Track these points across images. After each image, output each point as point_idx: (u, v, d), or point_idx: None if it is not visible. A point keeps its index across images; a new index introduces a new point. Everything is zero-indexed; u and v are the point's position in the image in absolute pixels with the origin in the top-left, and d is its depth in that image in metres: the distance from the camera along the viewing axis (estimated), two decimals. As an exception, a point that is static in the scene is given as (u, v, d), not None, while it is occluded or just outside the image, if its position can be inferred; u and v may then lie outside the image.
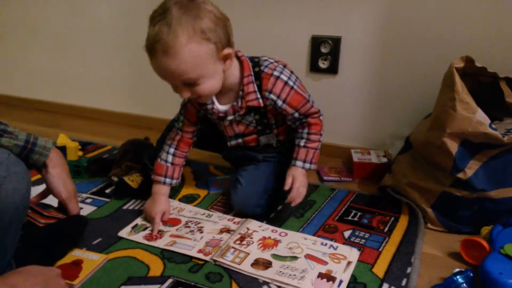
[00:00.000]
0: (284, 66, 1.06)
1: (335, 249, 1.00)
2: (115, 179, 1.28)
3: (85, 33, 1.90)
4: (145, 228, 1.08)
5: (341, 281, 0.89)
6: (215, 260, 0.95)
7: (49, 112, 2.10)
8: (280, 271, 0.91)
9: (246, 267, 0.93)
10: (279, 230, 1.08)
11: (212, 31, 0.90)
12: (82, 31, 1.91)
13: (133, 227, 1.08)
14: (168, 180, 1.14)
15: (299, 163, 1.10)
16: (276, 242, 1.03)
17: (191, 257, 0.97)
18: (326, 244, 1.02)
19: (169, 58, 0.88)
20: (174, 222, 1.11)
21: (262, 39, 1.55)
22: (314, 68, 1.51)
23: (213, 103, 1.08)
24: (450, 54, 1.15)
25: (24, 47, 2.09)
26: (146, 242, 1.02)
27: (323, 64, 1.49)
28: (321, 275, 0.90)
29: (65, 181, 1.00)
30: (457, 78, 1.01)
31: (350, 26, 1.43)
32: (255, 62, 1.06)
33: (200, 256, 0.96)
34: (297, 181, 1.07)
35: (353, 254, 0.98)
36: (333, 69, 1.49)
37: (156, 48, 0.88)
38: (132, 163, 1.32)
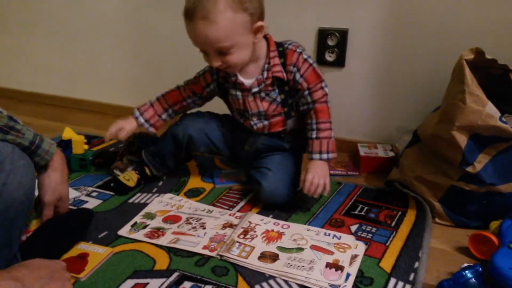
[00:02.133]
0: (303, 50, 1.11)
1: (339, 238, 1.00)
2: (118, 172, 1.28)
3: (91, 27, 1.90)
4: (145, 226, 1.06)
5: (348, 274, 0.88)
6: (221, 256, 0.94)
7: (55, 106, 2.11)
8: (288, 263, 0.91)
9: (253, 261, 0.92)
10: (281, 222, 1.08)
11: (249, 1, 0.96)
12: (88, 26, 1.90)
13: (132, 225, 1.06)
14: (137, 113, 1.20)
15: (315, 156, 1.10)
16: (280, 234, 1.02)
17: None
18: (329, 234, 1.02)
19: (207, 24, 0.93)
20: (174, 219, 1.10)
21: (268, 31, 1.53)
22: (321, 61, 1.49)
23: (236, 76, 1.10)
24: (459, 46, 1.13)
25: (30, 42, 2.09)
26: (148, 240, 1.00)
27: (330, 57, 1.48)
28: (329, 265, 0.90)
29: (56, 187, 0.96)
30: (467, 70, 0.99)
31: (357, 19, 1.41)
32: (279, 43, 1.11)
33: (206, 252, 0.95)
34: (310, 173, 1.08)
35: (359, 248, 0.98)
36: (340, 62, 1.47)
37: (195, 13, 0.93)
38: (134, 156, 1.32)
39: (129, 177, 1.23)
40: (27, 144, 0.89)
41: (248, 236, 1.01)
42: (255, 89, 1.11)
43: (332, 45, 1.46)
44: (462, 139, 1.01)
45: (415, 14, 1.34)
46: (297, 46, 1.10)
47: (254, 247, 0.97)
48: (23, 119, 1.49)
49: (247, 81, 1.10)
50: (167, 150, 1.23)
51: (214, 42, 0.96)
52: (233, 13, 0.94)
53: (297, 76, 1.08)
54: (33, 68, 2.15)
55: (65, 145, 1.37)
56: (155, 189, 1.25)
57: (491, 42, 1.23)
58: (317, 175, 1.07)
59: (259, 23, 1.00)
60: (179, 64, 1.74)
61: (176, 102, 1.21)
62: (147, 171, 1.26)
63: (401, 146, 1.35)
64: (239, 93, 1.13)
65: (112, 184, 1.23)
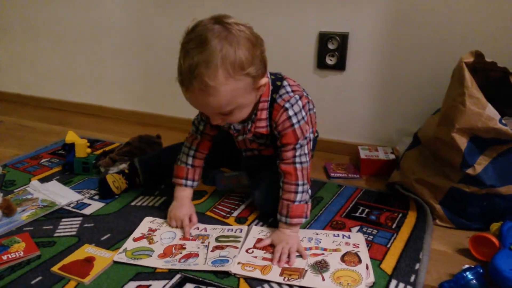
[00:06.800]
0: (300, 97, 1.01)
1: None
2: (103, 169, 1.31)
3: (94, 32, 1.91)
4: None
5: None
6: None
7: (58, 110, 2.12)
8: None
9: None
10: None
11: (250, 64, 0.87)
12: (90, 30, 1.92)
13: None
14: (189, 183, 1.11)
15: (278, 215, 1.02)
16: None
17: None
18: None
19: (208, 95, 0.86)
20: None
21: (269, 35, 1.53)
22: (321, 64, 1.50)
23: None
24: (459, 49, 1.14)
25: (33, 46, 2.11)
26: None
27: (330, 61, 1.49)
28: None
29: None
30: (467, 73, 1.00)
31: (357, 22, 1.42)
32: (276, 86, 1.02)
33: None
34: (279, 244, 0.97)
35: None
36: (340, 66, 1.48)
37: (193, 84, 0.85)
38: (121, 156, 1.33)
39: (119, 184, 1.23)
40: None
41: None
42: (240, 137, 1.08)
43: (333, 49, 1.47)
44: (462, 141, 1.01)
45: (415, 17, 1.35)
46: (287, 100, 0.99)
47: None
48: (27, 123, 1.50)
49: (237, 126, 1.05)
50: (165, 166, 1.21)
51: (216, 108, 0.90)
52: (235, 81, 0.86)
53: (276, 131, 1.02)
54: (37, 73, 2.16)
55: (68, 149, 1.39)
56: (157, 192, 1.26)
57: (490, 45, 1.24)
58: (285, 246, 0.96)
59: (263, 81, 0.93)
60: (181, 68, 1.75)
61: (208, 149, 1.14)
62: (137, 180, 1.27)
63: (401, 148, 1.35)
64: (231, 132, 1.10)
65: (98, 186, 1.25)
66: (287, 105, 0.99)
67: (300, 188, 1.00)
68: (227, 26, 0.86)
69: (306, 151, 1.02)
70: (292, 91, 1.01)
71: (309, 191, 1.03)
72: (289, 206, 0.99)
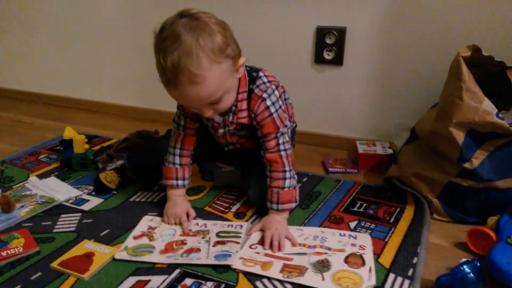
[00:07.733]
0: (276, 87, 1.03)
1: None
2: (101, 166, 1.32)
3: (92, 27, 1.91)
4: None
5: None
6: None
7: (56, 106, 2.12)
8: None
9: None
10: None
11: (227, 46, 0.89)
12: (89, 25, 1.91)
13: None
14: (180, 182, 1.12)
15: (268, 204, 1.05)
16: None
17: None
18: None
19: (197, 85, 0.86)
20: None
21: (267, 31, 1.55)
22: (319, 59, 1.50)
23: None
24: (457, 44, 1.14)
25: (31, 42, 2.10)
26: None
27: (328, 56, 1.49)
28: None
29: None
30: (464, 67, 1.00)
31: (355, 17, 1.42)
32: (252, 77, 1.03)
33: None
34: (268, 230, 1.00)
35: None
36: (338, 60, 1.48)
37: (180, 79, 0.85)
38: (118, 152, 1.34)
39: (111, 179, 1.24)
40: None
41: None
42: (221, 130, 1.08)
43: (330, 44, 1.46)
44: (459, 136, 1.02)
45: (413, 12, 1.34)
46: (264, 90, 1.01)
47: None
48: (25, 119, 1.49)
49: (217, 118, 1.05)
50: (153, 163, 1.20)
51: (207, 98, 0.90)
52: (218, 64, 0.87)
53: (255, 122, 1.04)
54: (34, 69, 2.16)
55: (66, 145, 1.39)
56: (155, 188, 1.26)
57: (488, 39, 1.24)
58: (275, 232, 0.99)
59: (241, 61, 0.94)
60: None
61: (193, 144, 1.14)
62: (129, 173, 1.27)
63: (399, 143, 1.36)
64: (209, 125, 1.10)
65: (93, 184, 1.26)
66: (264, 95, 1.01)
67: (287, 174, 1.04)
68: (194, 16, 0.88)
69: (287, 139, 1.06)
70: (269, 81, 1.04)
71: (295, 176, 1.07)
72: (279, 193, 1.03)
